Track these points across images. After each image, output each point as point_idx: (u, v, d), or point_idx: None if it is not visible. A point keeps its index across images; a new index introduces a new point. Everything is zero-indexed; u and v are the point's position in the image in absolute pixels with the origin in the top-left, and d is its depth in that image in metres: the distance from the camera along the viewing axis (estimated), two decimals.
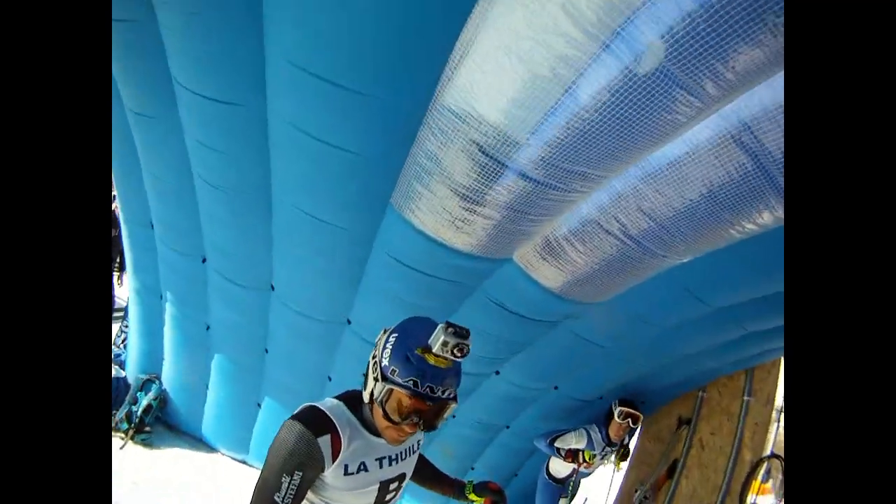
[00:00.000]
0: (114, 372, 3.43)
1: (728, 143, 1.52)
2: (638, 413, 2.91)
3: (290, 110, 1.73)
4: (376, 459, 1.18)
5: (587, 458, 2.88)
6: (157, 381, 3.39)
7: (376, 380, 1.08)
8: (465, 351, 1.02)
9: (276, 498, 1.08)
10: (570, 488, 3.11)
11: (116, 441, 3.17)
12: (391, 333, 1.10)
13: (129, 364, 3.58)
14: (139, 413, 3.26)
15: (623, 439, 3.01)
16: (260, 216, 2.23)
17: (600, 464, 3.11)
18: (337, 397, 1.19)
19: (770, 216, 1.72)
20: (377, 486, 1.21)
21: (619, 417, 2.90)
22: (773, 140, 1.48)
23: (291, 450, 1.07)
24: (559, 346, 2.60)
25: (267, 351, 2.87)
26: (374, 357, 1.10)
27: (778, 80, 1.35)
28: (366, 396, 1.12)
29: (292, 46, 1.55)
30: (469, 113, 1.49)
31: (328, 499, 1.21)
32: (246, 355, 2.95)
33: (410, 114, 1.60)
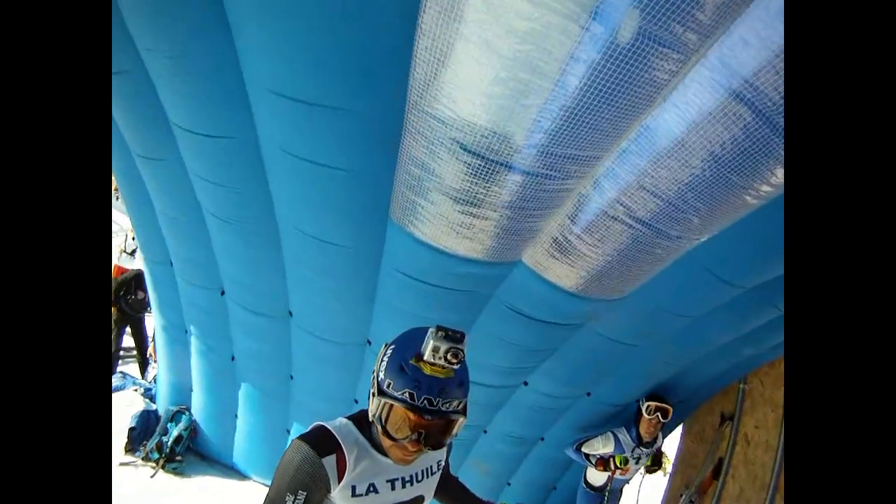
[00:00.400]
0: (144, 405, 3.51)
1: (727, 101, 1.41)
2: (667, 405, 2.74)
3: (277, 136, 1.75)
4: (387, 481, 1.12)
5: (619, 464, 2.74)
6: (186, 413, 3.44)
7: (373, 395, 1.03)
8: (459, 356, 0.95)
9: None
10: (607, 497, 2.95)
11: (147, 470, 3.23)
12: (390, 346, 1.05)
13: (158, 397, 3.66)
14: (170, 443, 3.30)
15: (656, 438, 2.84)
16: (269, 244, 2.25)
17: (637, 468, 2.95)
18: (349, 417, 1.14)
19: (783, 174, 1.58)
20: None
21: (647, 413, 2.74)
22: (774, 89, 1.37)
23: (296, 469, 1.04)
24: (586, 350, 2.49)
25: (292, 377, 2.88)
26: (373, 372, 1.06)
27: (766, 30, 1.28)
28: (369, 414, 1.07)
29: (265, 74, 1.60)
30: (449, 115, 1.46)
31: None
32: (272, 383, 2.97)
33: (389, 122, 1.59)
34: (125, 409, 3.48)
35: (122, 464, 3.20)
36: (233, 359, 2.99)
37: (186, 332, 3.17)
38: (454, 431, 1.05)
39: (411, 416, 0.98)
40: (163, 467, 3.25)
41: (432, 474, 1.22)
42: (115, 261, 6.76)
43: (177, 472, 3.29)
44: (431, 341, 0.95)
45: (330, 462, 1.05)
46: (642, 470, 3.00)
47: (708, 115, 1.45)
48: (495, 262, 1.95)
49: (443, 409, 0.97)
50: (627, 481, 3.00)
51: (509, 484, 3.31)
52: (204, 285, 2.78)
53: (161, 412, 3.51)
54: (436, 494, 1.37)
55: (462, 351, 0.96)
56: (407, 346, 1.01)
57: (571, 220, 1.86)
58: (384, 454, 1.10)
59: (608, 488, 2.95)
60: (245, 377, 3.04)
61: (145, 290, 4.07)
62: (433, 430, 1.01)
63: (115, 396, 3.57)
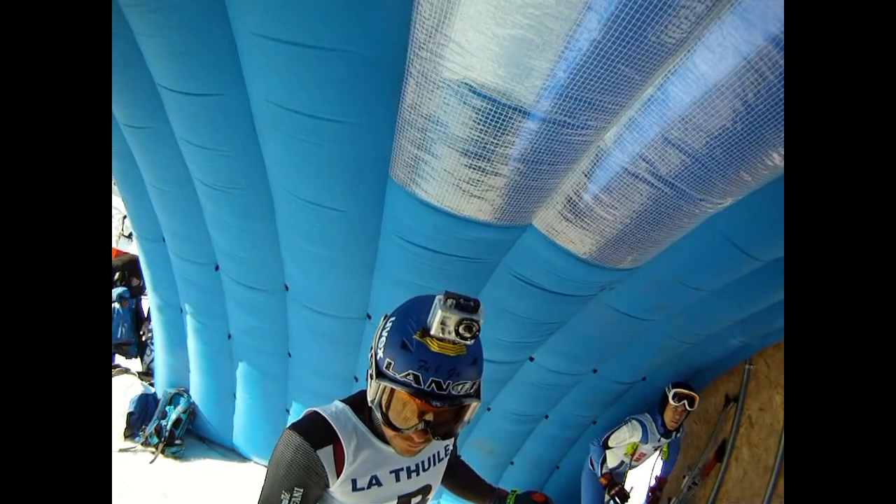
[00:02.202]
0: (142, 388, 3.44)
1: (764, 46, 1.27)
2: (694, 394, 2.70)
3: (268, 87, 1.62)
4: (391, 472, 1.00)
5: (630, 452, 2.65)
6: (185, 395, 3.37)
7: (371, 377, 0.89)
8: (473, 330, 0.79)
9: None
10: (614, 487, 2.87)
11: (147, 456, 3.17)
12: (390, 318, 0.89)
13: (157, 379, 3.58)
14: (169, 427, 3.24)
15: (678, 428, 2.78)
16: (263, 213, 2.14)
17: (652, 453, 2.90)
18: (344, 400, 1.02)
19: None
20: (395, 501, 1.04)
21: (674, 400, 2.67)
22: None
23: (289, 464, 0.92)
24: (596, 324, 2.38)
25: (290, 355, 2.78)
26: (371, 349, 0.91)
27: None
28: (368, 399, 0.92)
29: (255, 17, 1.47)
30: (458, 56, 1.32)
31: None
32: (269, 361, 2.87)
33: (391, 65, 1.45)
34: (123, 393, 3.41)
35: (121, 450, 3.14)
36: (229, 337, 2.90)
37: (182, 311, 3.07)
38: (467, 418, 0.91)
39: (417, 402, 0.84)
40: (162, 452, 3.19)
41: (439, 461, 1.10)
42: (113, 244, 6.66)
43: (176, 456, 3.23)
44: (439, 312, 0.78)
45: (326, 454, 0.93)
46: (657, 455, 2.94)
47: (744, 60, 1.31)
48: (505, 226, 1.83)
49: (453, 393, 0.82)
50: (636, 466, 2.93)
51: (512, 463, 3.24)
52: (197, 261, 2.68)
53: (159, 395, 3.44)
54: (443, 481, 1.25)
55: (477, 323, 0.79)
56: (409, 318, 0.85)
57: (588, 178, 1.73)
58: (387, 442, 0.97)
59: (617, 472, 2.88)
60: (242, 356, 2.95)
61: (140, 277, 4.00)
62: (443, 417, 0.88)
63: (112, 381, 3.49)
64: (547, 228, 1.90)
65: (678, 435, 2.86)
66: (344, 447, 0.94)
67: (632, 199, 1.71)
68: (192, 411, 3.34)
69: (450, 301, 0.78)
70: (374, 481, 0.98)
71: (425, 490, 1.08)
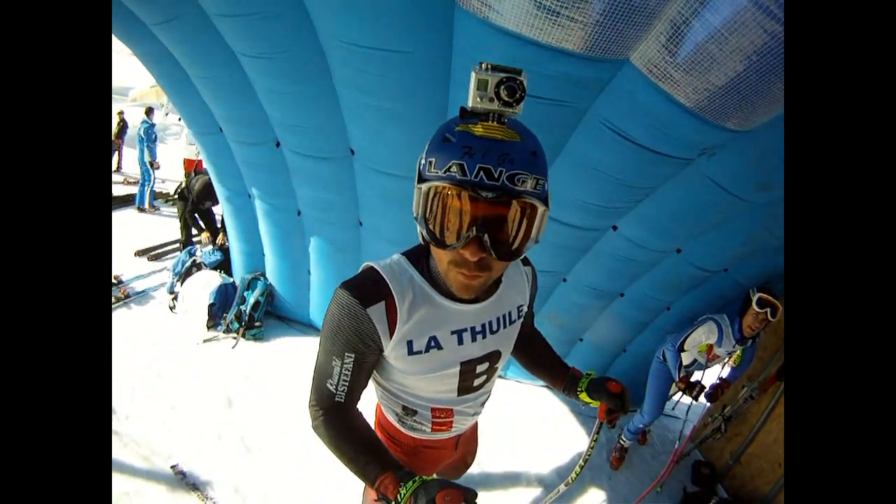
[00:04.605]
0: (221, 280, 3.59)
1: None
2: (778, 304, 2.44)
3: None
4: (453, 332, 0.87)
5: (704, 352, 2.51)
6: (262, 278, 3.52)
7: (416, 189, 0.73)
8: (517, 93, 0.66)
9: (328, 385, 0.86)
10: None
11: (229, 342, 3.36)
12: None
13: (234, 267, 3.76)
14: (248, 311, 3.42)
15: (755, 338, 2.57)
16: (317, 73, 1.97)
17: (726, 356, 2.72)
18: (405, 252, 0.88)
19: None
20: (457, 368, 0.91)
21: (757, 306, 2.43)
22: None
23: (336, 326, 0.82)
24: (690, 195, 2.11)
25: (361, 224, 2.74)
26: (417, 163, 0.75)
27: None
28: (419, 232, 0.76)
29: None
30: None
31: (400, 386, 0.95)
32: (341, 233, 2.86)
33: None
34: (202, 289, 3.55)
35: (205, 341, 3.29)
36: (299, 213, 2.90)
37: (250, 196, 3.10)
38: (534, 230, 0.72)
39: (465, 202, 0.67)
40: (243, 336, 3.38)
41: (511, 323, 0.95)
42: (191, 155, 6.86)
43: (257, 337, 3.42)
44: (474, 76, 0.66)
45: (378, 312, 0.81)
46: (729, 359, 2.78)
47: None
48: (597, 59, 1.54)
49: (507, 183, 0.65)
50: (709, 367, 2.79)
51: (581, 340, 3.20)
52: (257, 141, 2.62)
53: (237, 283, 3.62)
54: (514, 352, 1.11)
55: (521, 83, 0.66)
56: (453, 119, 0.71)
57: (701, 2, 1.38)
58: (449, 296, 0.83)
59: (688, 370, 2.76)
60: (313, 231, 2.95)
61: (214, 199, 4.10)
62: (499, 223, 0.69)
63: (192, 279, 3.67)
64: (647, 66, 1.59)
65: (754, 343, 2.65)
66: (397, 303, 0.82)
67: (752, 34, 1.36)
68: (269, 293, 3.50)
69: (485, 65, 0.67)
70: (432, 343, 0.86)
71: (493, 357, 0.95)
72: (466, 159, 0.65)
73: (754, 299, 2.47)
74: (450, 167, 0.66)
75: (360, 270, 0.88)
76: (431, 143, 0.71)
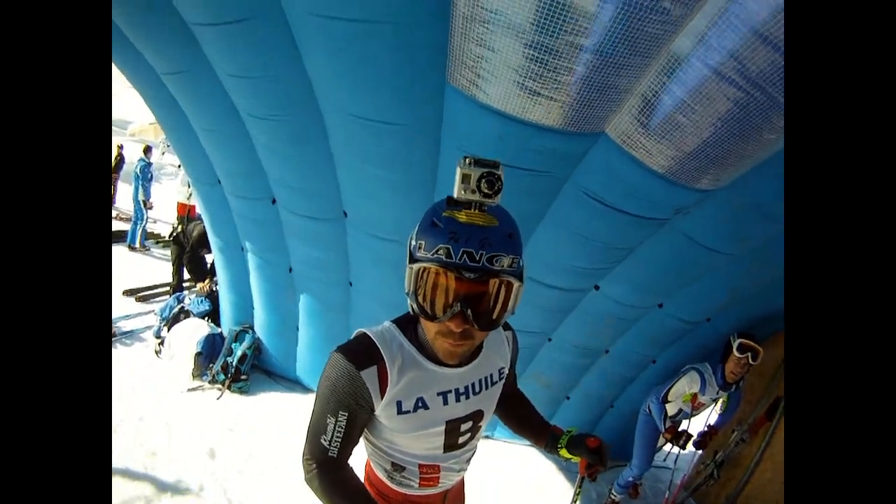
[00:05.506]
0: (209, 329, 3.58)
1: None
2: (759, 348, 2.53)
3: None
4: (438, 394, 0.94)
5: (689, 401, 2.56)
6: (250, 331, 3.50)
7: (406, 269, 0.82)
8: (495, 186, 0.75)
9: (322, 441, 0.92)
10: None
11: (214, 393, 3.30)
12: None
13: (222, 317, 3.74)
14: (235, 363, 3.38)
15: (739, 380, 2.64)
16: (315, 137, 2.10)
17: (711, 403, 2.78)
18: (394, 320, 0.96)
19: None
20: (443, 426, 0.98)
21: (738, 351, 2.52)
22: None
23: (332, 386, 0.90)
24: (667, 253, 2.23)
25: (351, 284, 2.80)
26: (408, 243, 0.85)
27: None
28: (405, 291, 0.85)
29: None
30: None
31: (389, 443, 1.01)
32: (331, 291, 2.90)
33: None
34: (189, 337, 3.52)
35: (189, 389, 3.24)
36: (290, 270, 2.95)
37: (243, 249, 3.16)
38: (510, 303, 0.81)
39: (451, 281, 0.77)
40: (229, 388, 3.32)
41: (493, 384, 1.03)
42: (183, 199, 6.87)
43: (242, 390, 3.36)
44: (459, 170, 0.75)
45: (370, 375, 0.88)
46: (715, 405, 2.83)
47: None
48: (575, 133, 1.69)
49: (487, 264, 0.75)
50: (695, 415, 2.83)
51: (568, 398, 3.20)
52: (254, 196, 2.71)
53: (225, 334, 3.59)
54: (498, 412, 1.20)
55: (499, 178, 0.75)
56: (438, 206, 0.81)
57: (668, 77, 1.55)
58: (436, 361, 0.92)
59: (675, 420, 2.79)
60: (304, 288, 3.00)
61: (209, 247, 4.10)
62: (480, 298, 0.79)
63: (180, 325, 3.65)
64: (621, 136, 1.74)
65: (738, 388, 2.71)
66: (388, 367, 0.89)
67: (716, 103, 1.53)
68: (256, 346, 3.48)
69: (468, 160, 0.76)
70: (419, 404, 0.93)
71: (476, 416, 1.02)
72: (452, 244, 0.75)
73: (735, 345, 2.54)
74: (437, 250, 0.76)
75: (353, 336, 0.95)
76: (421, 225, 0.80)
